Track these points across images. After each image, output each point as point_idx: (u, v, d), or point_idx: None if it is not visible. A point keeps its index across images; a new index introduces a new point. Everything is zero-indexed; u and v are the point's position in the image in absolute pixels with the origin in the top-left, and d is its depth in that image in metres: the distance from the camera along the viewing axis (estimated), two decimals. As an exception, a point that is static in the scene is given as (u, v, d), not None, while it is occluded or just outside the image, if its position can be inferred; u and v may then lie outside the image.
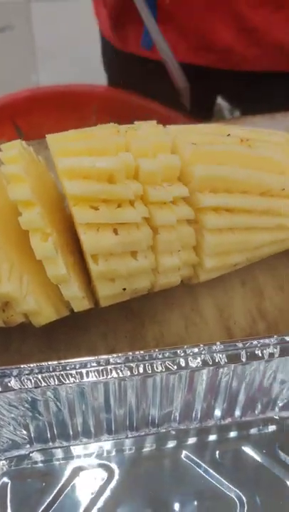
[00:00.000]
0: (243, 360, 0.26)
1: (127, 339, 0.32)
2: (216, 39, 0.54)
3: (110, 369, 0.25)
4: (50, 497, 0.27)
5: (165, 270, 0.28)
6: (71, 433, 0.28)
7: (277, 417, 0.30)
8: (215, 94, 0.75)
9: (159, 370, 0.25)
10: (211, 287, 0.34)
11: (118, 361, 0.25)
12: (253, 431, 0.30)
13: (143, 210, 0.26)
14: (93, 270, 0.26)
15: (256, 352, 0.26)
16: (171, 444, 0.29)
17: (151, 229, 0.27)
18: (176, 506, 0.27)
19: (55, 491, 0.27)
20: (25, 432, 0.27)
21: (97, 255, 0.26)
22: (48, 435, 0.28)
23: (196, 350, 0.25)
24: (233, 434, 0.29)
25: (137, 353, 0.25)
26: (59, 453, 0.28)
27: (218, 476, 0.28)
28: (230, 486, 0.28)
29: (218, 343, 0.25)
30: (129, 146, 0.27)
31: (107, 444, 0.29)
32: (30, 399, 0.25)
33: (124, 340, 0.32)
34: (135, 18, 0.52)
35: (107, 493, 0.27)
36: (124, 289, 0.28)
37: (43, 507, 0.26)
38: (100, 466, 0.28)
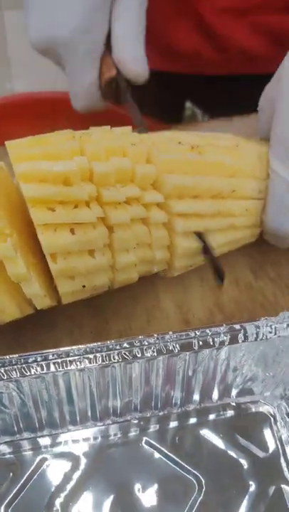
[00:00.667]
0: (196, 348, 0.27)
1: (92, 335, 0.34)
2: (181, 45, 0.56)
3: (70, 360, 0.26)
4: (18, 486, 0.28)
5: (122, 267, 0.30)
6: (37, 425, 0.29)
7: (233, 403, 0.32)
8: (184, 99, 0.77)
9: (116, 360, 0.27)
10: (172, 284, 0.36)
11: (77, 353, 0.26)
12: (212, 417, 0.31)
13: (98, 210, 0.28)
14: (52, 269, 0.27)
15: (208, 340, 0.27)
16: (133, 432, 0.30)
17: (107, 228, 0.29)
18: (138, 490, 0.28)
19: (22, 480, 0.28)
20: (-8, 426, 0.29)
21: (56, 254, 0.27)
22: (15, 428, 0.29)
23: (151, 340, 0.27)
24: (192, 420, 0.31)
25: (95, 344, 0.27)
26: (26, 444, 0.30)
27: (178, 459, 0.29)
28: (190, 468, 0.29)
29: (170, 332, 0.27)
30: (83, 151, 0.28)
31: (72, 435, 0.30)
32: (-6, 392, 0.26)
33: (90, 336, 0.34)
34: None
35: (73, 481, 0.29)
36: (84, 286, 0.29)
37: (11, 495, 0.28)
38: (66, 455, 0.29)
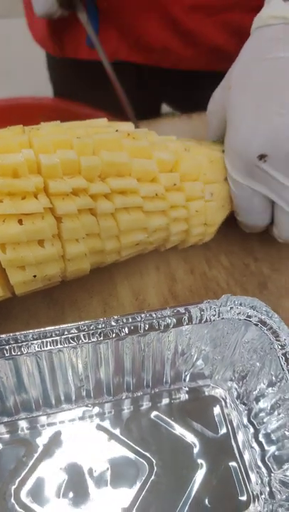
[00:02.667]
0: (141, 331, 0.28)
1: (49, 325, 0.34)
2: (152, 39, 0.56)
3: (18, 346, 0.27)
4: (-28, 472, 0.29)
5: (73, 257, 0.30)
6: (-8, 413, 0.30)
7: (186, 388, 0.32)
8: (159, 99, 0.78)
9: (63, 346, 0.27)
10: (128, 273, 0.37)
11: (24, 339, 0.27)
12: (164, 401, 0.32)
13: (45, 201, 0.29)
14: (2, 259, 0.28)
15: (153, 323, 0.28)
16: (88, 417, 0.31)
17: (56, 219, 0.29)
18: (90, 472, 0.29)
19: (-24, 467, 0.29)
20: None
21: (5, 244, 0.28)
22: None
23: (98, 325, 0.28)
24: (145, 404, 0.32)
25: (43, 329, 0.27)
26: (-19, 432, 0.30)
27: (130, 442, 0.30)
28: (141, 451, 0.30)
29: (116, 316, 0.28)
30: (31, 144, 0.29)
31: (26, 422, 0.31)
32: None
33: (45, 327, 0.34)
34: (74, 22, 0.55)
35: (27, 466, 0.29)
36: (35, 276, 0.30)
37: None
38: (20, 441, 0.30)
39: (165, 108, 0.83)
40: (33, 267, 0.29)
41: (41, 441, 0.30)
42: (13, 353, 0.27)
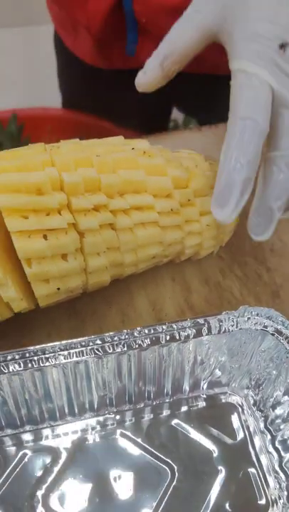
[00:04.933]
0: (163, 342, 0.29)
1: (69, 336, 0.36)
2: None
3: (46, 357, 0.28)
4: (1, 479, 0.30)
5: (94, 270, 0.32)
6: (18, 422, 0.31)
7: (203, 395, 0.34)
8: (170, 102, 0.79)
9: (88, 356, 0.28)
10: (145, 285, 0.38)
11: (51, 350, 0.28)
12: (183, 408, 0.33)
13: (68, 217, 0.30)
14: (27, 273, 0.29)
15: (174, 334, 0.30)
16: (109, 425, 0.32)
17: (79, 233, 0.31)
18: (115, 478, 0.30)
19: (5, 474, 0.30)
20: (-24, 424, 0.30)
21: (30, 259, 0.29)
22: (-2, 425, 0.31)
23: (121, 336, 0.29)
24: (165, 412, 0.33)
25: (69, 341, 0.28)
26: (8, 440, 0.31)
27: (151, 449, 0.31)
28: (163, 457, 0.31)
29: (139, 328, 0.29)
30: (54, 162, 0.31)
31: (51, 430, 0.32)
32: (-25, 390, 0.28)
33: (67, 337, 0.35)
34: (119, 35, 0.56)
35: (53, 473, 0.30)
36: (59, 289, 0.31)
37: (-7, 488, 0.29)
38: (46, 449, 0.31)
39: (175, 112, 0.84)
40: (57, 280, 0.31)
41: (66, 448, 0.31)
42: (41, 364, 0.28)
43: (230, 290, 0.38)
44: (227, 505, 0.29)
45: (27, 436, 0.31)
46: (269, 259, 0.40)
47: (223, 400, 0.34)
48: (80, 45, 0.65)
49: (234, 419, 0.33)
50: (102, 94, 0.73)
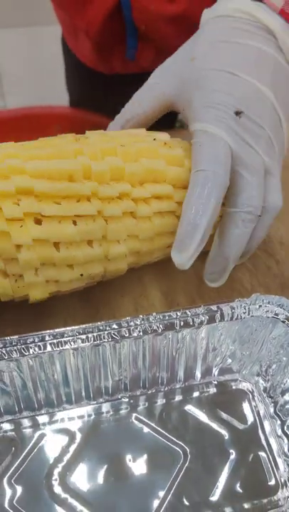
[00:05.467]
0: (177, 328, 0.30)
1: (84, 323, 0.37)
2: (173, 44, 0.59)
3: (64, 341, 0.29)
4: (19, 459, 0.31)
5: (114, 257, 0.33)
6: (36, 405, 0.32)
7: (215, 382, 0.35)
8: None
9: (105, 340, 0.30)
10: (157, 276, 0.39)
11: (70, 334, 0.29)
12: (195, 394, 0.34)
13: (98, 204, 0.31)
14: (55, 257, 0.30)
15: (188, 320, 0.31)
16: (124, 409, 0.33)
17: None
18: (129, 460, 0.31)
19: (23, 454, 0.31)
20: (-5, 407, 0.32)
21: (59, 243, 0.31)
22: (16, 408, 0.32)
23: (137, 321, 0.30)
24: (177, 397, 0.34)
25: (87, 325, 0.30)
26: (26, 422, 0.32)
27: (165, 432, 0.32)
28: (176, 440, 0.32)
29: (154, 313, 0.30)
30: (82, 152, 0.32)
31: (67, 413, 0.33)
32: (-4, 372, 0.29)
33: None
34: (118, 40, 0.58)
35: (70, 453, 0.31)
36: (82, 275, 0.32)
37: (13, 467, 0.30)
38: (63, 431, 0.32)
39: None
40: (80, 266, 0.32)
41: (81, 430, 0.32)
42: (60, 347, 0.29)
43: (240, 281, 0.39)
44: (237, 486, 0.30)
45: (44, 419, 0.33)
46: (278, 252, 0.41)
47: (234, 387, 0.35)
48: (80, 48, 0.67)
49: (245, 404, 0.34)
50: (109, 95, 0.75)
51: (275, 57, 0.35)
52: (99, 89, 0.74)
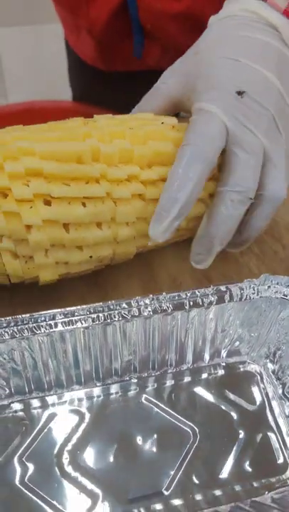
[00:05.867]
0: (187, 307, 0.31)
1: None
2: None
3: (75, 320, 0.30)
4: (30, 438, 0.31)
5: (123, 240, 0.33)
6: (46, 386, 0.32)
7: (223, 363, 0.35)
8: None
9: (116, 319, 0.30)
10: (165, 261, 0.40)
11: (81, 312, 0.30)
12: (204, 376, 0.34)
13: (107, 186, 0.31)
14: (64, 238, 0.31)
15: (197, 300, 0.31)
16: (133, 390, 0.33)
17: None
18: (139, 440, 0.31)
19: (33, 433, 0.31)
20: (6, 387, 0.32)
21: (68, 225, 0.31)
22: (26, 389, 0.32)
23: (146, 300, 0.30)
24: (186, 379, 0.34)
25: (97, 304, 0.30)
26: (36, 402, 0.32)
27: (174, 413, 0.32)
28: (185, 420, 0.32)
29: (164, 293, 0.30)
30: (91, 135, 0.32)
31: (77, 393, 0.33)
32: (7, 351, 0.29)
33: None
34: (122, 38, 0.58)
35: (79, 433, 0.32)
36: (91, 257, 0.32)
37: (24, 446, 0.31)
38: (72, 411, 0.32)
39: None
40: (90, 248, 0.32)
41: (91, 411, 0.32)
42: (72, 326, 0.29)
43: (247, 266, 0.39)
44: (246, 465, 0.31)
45: (53, 399, 0.33)
46: (285, 237, 0.41)
47: (242, 369, 0.35)
48: (81, 46, 0.67)
49: (253, 386, 0.34)
50: (112, 90, 0.75)
51: (279, 49, 0.35)
52: (102, 85, 0.74)
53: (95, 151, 0.31)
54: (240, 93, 0.33)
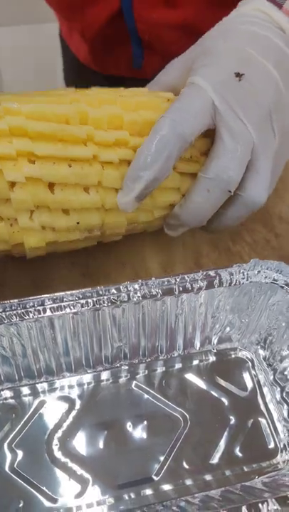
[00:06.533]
0: (176, 293, 0.31)
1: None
2: None
3: (64, 305, 0.29)
4: (20, 425, 0.31)
5: (111, 207, 0.32)
6: (36, 373, 0.32)
7: (214, 350, 0.35)
8: None
9: (105, 304, 0.30)
10: (157, 249, 0.39)
11: (70, 298, 0.30)
12: (195, 362, 0.34)
13: (94, 148, 0.31)
14: (49, 199, 0.30)
15: (187, 286, 0.31)
16: (124, 376, 0.33)
17: None
18: (129, 426, 0.31)
19: (23, 420, 0.31)
20: (-5, 375, 0.32)
21: (54, 185, 0.30)
22: (16, 376, 0.32)
23: (136, 286, 0.30)
24: (177, 365, 0.34)
25: (86, 289, 0.30)
26: (26, 390, 0.32)
27: (164, 399, 0.32)
28: (176, 407, 0.32)
29: (153, 278, 0.30)
30: (79, 100, 0.32)
31: (68, 381, 0.33)
32: (-4, 336, 0.29)
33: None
34: (116, 44, 0.58)
35: (70, 419, 0.31)
36: (78, 223, 0.31)
37: (14, 432, 0.31)
38: (62, 398, 0.32)
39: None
40: (76, 213, 0.31)
41: (81, 398, 0.32)
42: (60, 311, 0.29)
43: (239, 255, 0.39)
44: (237, 450, 0.30)
45: (44, 386, 0.33)
46: (277, 226, 0.41)
47: (233, 355, 0.35)
48: (76, 45, 0.67)
49: (244, 372, 0.34)
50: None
51: (282, 48, 0.34)
52: (98, 85, 0.74)
53: (83, 115, 0.31)
54: (238, 75, 0.32)
